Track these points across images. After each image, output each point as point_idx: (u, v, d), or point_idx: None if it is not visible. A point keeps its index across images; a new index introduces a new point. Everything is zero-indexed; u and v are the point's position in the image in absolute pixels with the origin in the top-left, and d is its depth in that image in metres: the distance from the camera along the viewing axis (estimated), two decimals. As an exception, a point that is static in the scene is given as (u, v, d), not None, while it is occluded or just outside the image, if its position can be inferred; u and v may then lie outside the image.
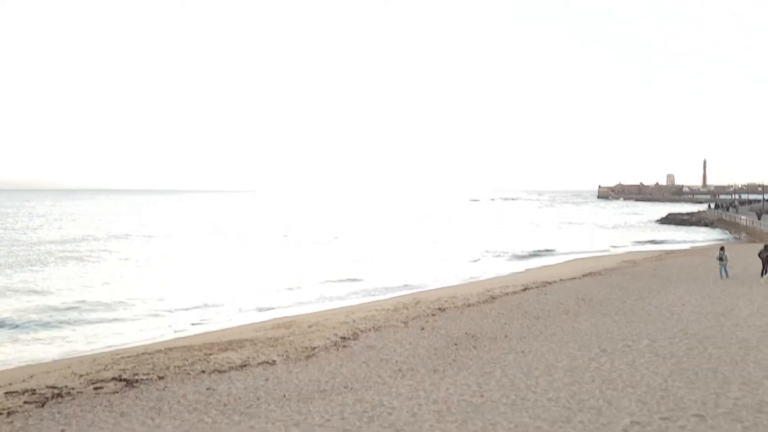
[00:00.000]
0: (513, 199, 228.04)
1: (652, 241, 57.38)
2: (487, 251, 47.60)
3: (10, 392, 12.77)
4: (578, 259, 41.48)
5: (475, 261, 42.43)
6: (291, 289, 29.66)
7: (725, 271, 27.25)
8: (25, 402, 12.01)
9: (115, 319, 23.02)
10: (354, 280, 32.14)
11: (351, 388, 12.32)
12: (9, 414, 11.26)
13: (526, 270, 35.94)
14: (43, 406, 11.79)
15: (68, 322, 22.31)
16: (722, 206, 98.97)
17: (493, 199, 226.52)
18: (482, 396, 11.55)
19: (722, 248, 28.87)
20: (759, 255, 27.80)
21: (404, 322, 19.05)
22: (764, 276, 26.89)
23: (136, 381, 13.37)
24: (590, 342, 15.62)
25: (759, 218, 65.76)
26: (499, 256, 45.23)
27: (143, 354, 16.29)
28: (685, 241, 56.28)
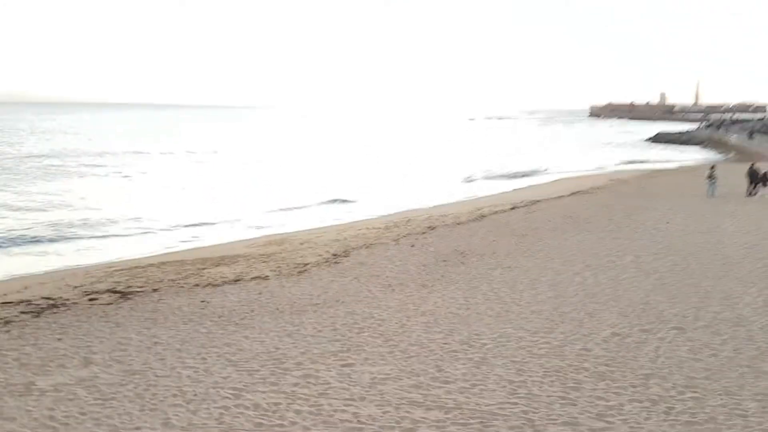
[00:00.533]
0: (508, 119, 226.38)
1: (641, 160, 57.55)
2: (478, 171, 47.61)
3: (6, 303, 12.98)
4: (567, 178, 41.66)
5: (466, 180, 42.51)
6: (283, 208, 29.73)
7: (713, 189, 27.50)
8: (21, 312, 12.24)
9: (106, 235, 23.11)
10: (346, 200, 32.20)
11: (342, 302, 12.61)
12: (6, 323, 11.48)
13: (515, 189, 36.09)
14: (39, 316, 12.03)
15: (59, 238, 22.36)
16: (713, 125, 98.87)
17: (489, 118, 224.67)
18: (468, 309, 11.87)
19: (713, 167, 29.05)
20: (746, 174, 28.05)
21: (395, 240, 19.28)
22: (750, 194, 27.23)
23: (131, 293, 13.61)
24: (575, 258, 15.93)
25: (750, 137, 65.88)
26: (489, 175, 45.28)
27: (136, 268, 16.48)
28: (674, 160, 56.47)
